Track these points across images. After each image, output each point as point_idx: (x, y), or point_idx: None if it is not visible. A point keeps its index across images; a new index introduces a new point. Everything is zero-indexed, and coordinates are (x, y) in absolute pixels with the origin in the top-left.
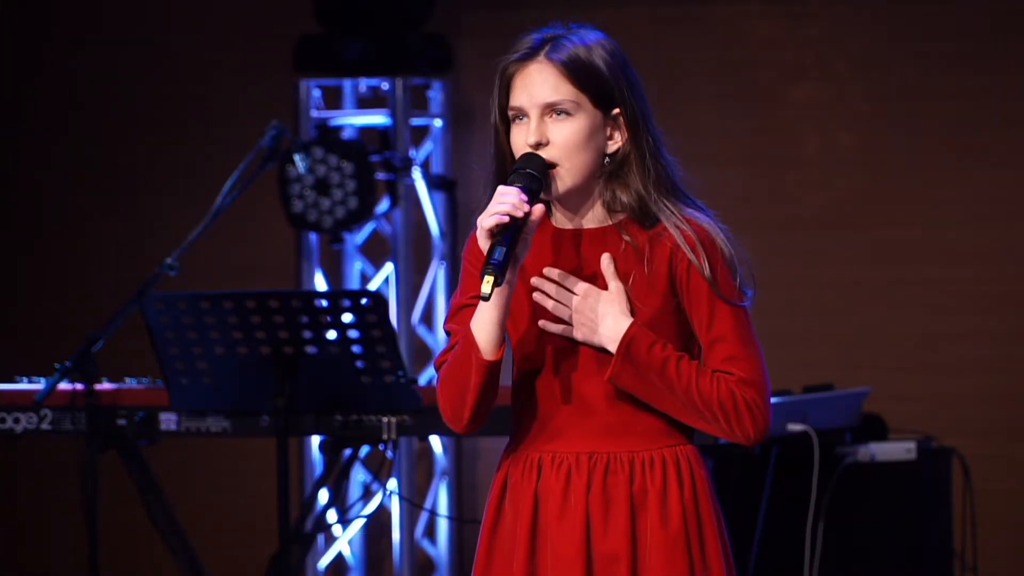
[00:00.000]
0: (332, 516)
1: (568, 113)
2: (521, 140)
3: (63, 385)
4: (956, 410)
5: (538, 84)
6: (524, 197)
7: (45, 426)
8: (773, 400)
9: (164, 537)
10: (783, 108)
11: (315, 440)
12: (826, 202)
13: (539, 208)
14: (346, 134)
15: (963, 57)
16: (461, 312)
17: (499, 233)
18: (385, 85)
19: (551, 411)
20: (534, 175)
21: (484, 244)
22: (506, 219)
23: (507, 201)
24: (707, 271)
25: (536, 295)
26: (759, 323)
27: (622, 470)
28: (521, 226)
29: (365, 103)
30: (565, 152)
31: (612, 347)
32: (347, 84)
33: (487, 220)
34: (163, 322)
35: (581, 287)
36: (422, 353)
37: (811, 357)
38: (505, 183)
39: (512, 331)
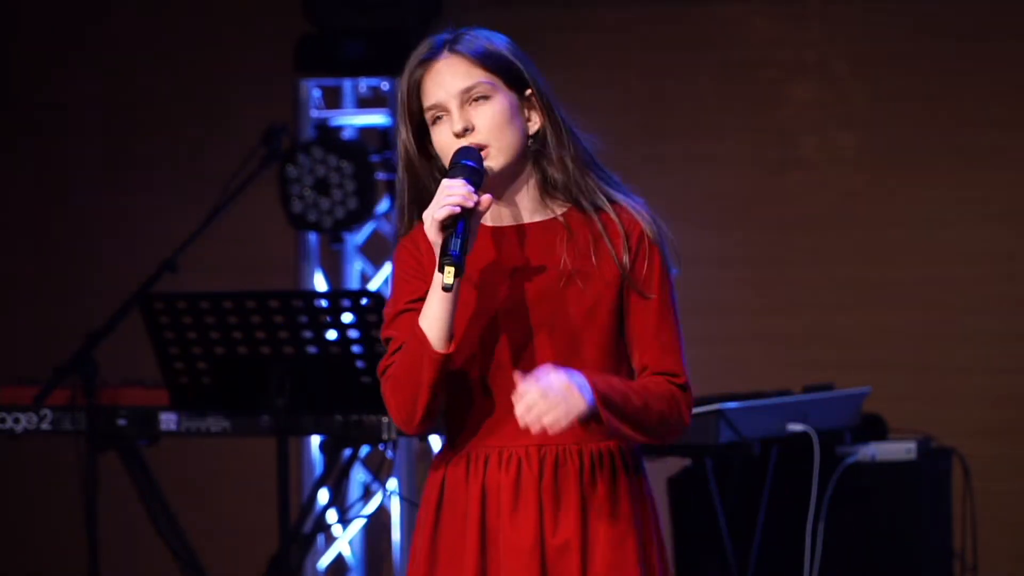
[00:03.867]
0: (332, 516)
1: (486, 97)
2: (447, 135)
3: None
4: (956, 410)
5: (450, 76)
6: (471, 188)
7: (45, 426)
8: (774, 400)
9: (164, 537)
10: (783, 108)
11: (315, 440)
12: (826, 202)
13: (487, 198)
14: (346, 134)
15: (963, 57)
16: (399, 318)
17: (451, 225)
18: (385, 85)
19: (491, 408)
20: (475, 167)
21: (435, 238)
22: (458, 210)
23: (456, 193)
24: (661, 266)
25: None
26: (760, 323)
27: (572, 462)
28: (471, 216)
29: (365, 103)
30: (492, 133)
31: (584, 407)
32: (347, 84)
33: (439, 212)
34: (163, 322)
35: (525, 387)
36: None
37: (811, 357)
38: (447, 177)
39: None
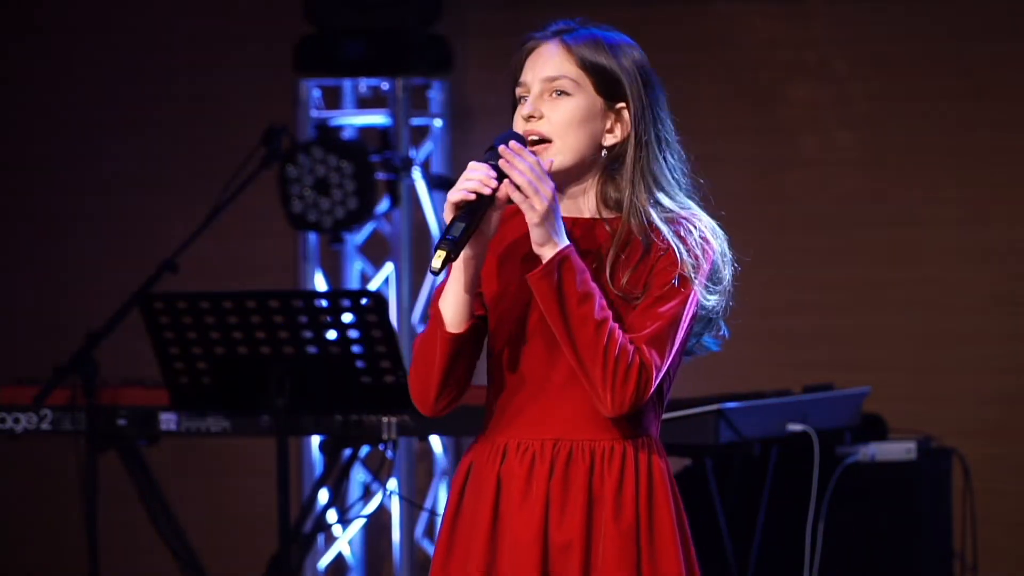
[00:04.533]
0: (332, 516)
1: (567, 93)
2: (518, 115)
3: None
4: (956, 410)
5: (543, 61)
6: (492, 174)
7: (45, 426)
8: (774, 400)
9: (164, 537)
10: (783, 108)
11: (315, 440)
12: (826, 202)
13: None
14: (346, 134)
15: (963, 57)
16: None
17: (463, 209)
18: (385, 85)
19: (517, 397)
20: None
21: (447, 217)
22: (472, 196)
23: (475, 177)
24: (685, 257)
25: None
26: (760, 323)
27: (583, 460)
28: (487, 204)
29: (365, 103)
30: (558, 129)
31: (549, 249)
32: (347, 84)
33: (453, 194)
34: (163, 322)
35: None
36: None
37: (811, 357)
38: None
39: (490, 312)
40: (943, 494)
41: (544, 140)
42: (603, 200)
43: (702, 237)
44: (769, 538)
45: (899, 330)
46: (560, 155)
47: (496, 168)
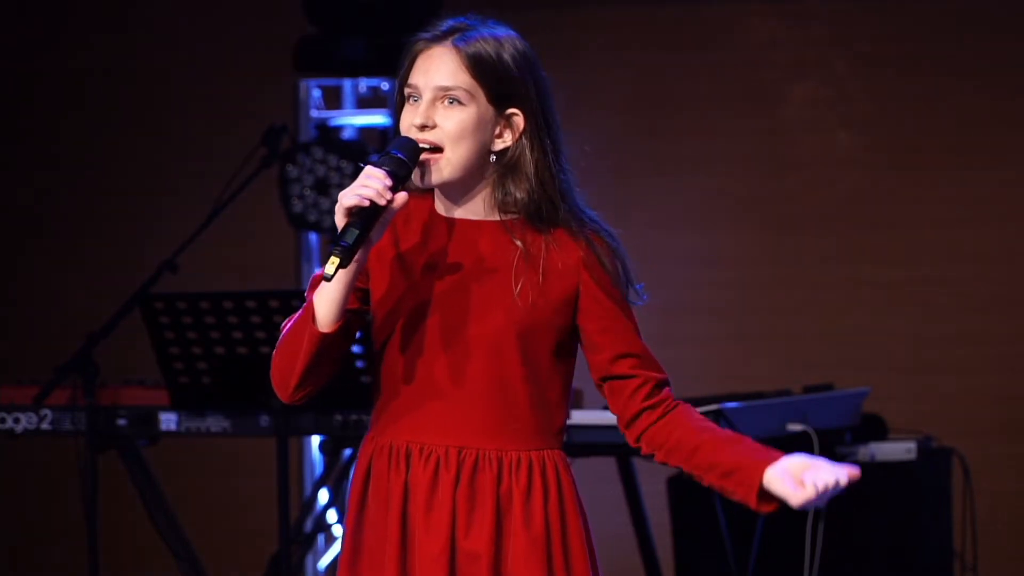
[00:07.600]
0: (332, 516)
1: (460, 102)
2: (409, 119)
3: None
4: (956, 410)
5: (437, 67)
6: (389, 183)
7: (45, 426)
8: (774, 400)
9: (164, 537)
10: (783, 108)
11: (315, 440)
12: (826, 202)
13: (401, 196)
14: (346, 134)
15: (963, 57)
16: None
17: (356, 215)
18: (385, 85)
19: (415, 400)
20: (403, 160)
21: (340, 221)
22: (367, 203)
23: (372, 185)
24: (619, 285)
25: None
26: (760, 323)
27: (490, 468)
28: (381, 211)
29: (365, 103)
30: (451, 138)
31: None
32: (347, 84)
33: (348, 198)
34: (163, 322)
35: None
36: None
37: (811, 357)
38: (375, 163)
39: (379, 310)
40: (943, 494)
41: (437, 149)
42: (496, 203)
43: (611, 247)
44: (769, 538)
45: (899, 330)
46: (449, 165)
47: (393, 175)
